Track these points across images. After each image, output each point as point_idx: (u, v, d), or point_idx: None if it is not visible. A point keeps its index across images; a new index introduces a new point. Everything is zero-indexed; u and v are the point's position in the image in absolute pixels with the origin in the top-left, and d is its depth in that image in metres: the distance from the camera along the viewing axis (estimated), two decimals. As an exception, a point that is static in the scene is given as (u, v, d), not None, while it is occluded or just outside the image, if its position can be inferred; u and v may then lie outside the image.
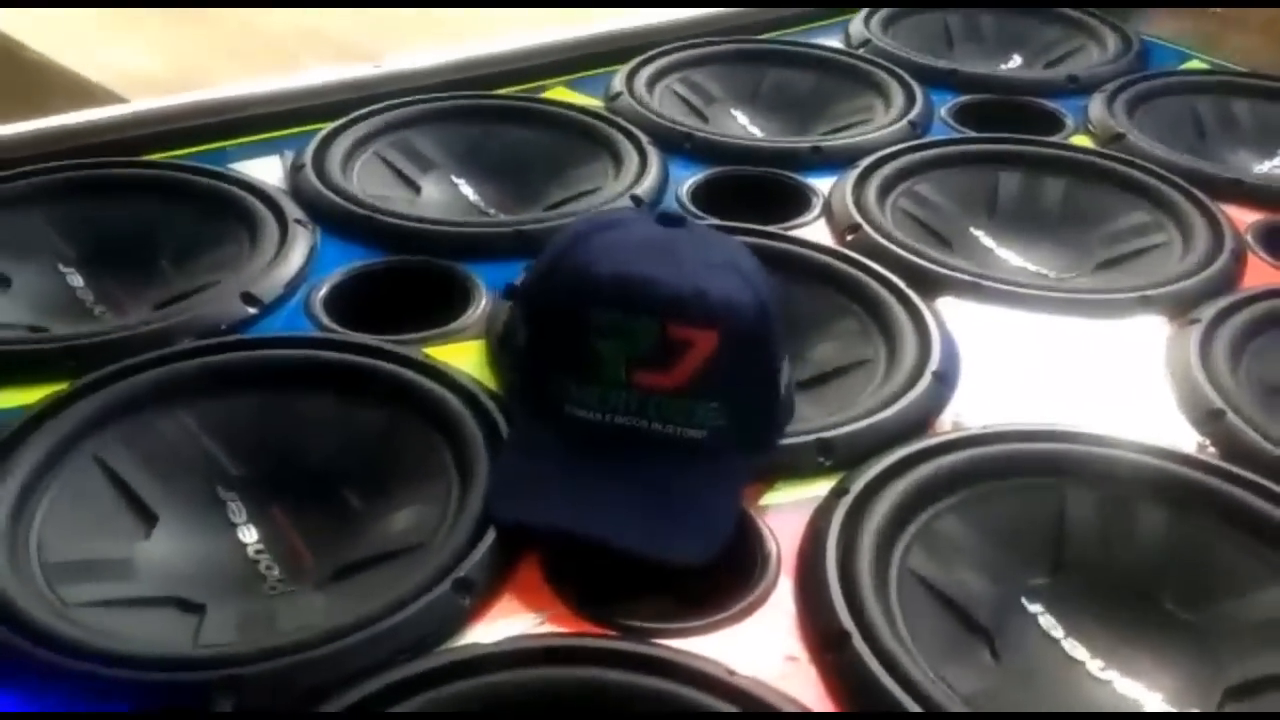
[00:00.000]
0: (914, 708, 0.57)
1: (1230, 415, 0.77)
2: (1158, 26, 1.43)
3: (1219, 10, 1.57)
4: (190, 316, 0.85)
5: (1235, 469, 0.72)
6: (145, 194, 1.00)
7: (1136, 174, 1.06)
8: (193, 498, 0.73)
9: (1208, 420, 0.77)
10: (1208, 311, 0.86)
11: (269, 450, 0.76)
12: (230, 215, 0.97)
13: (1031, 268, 1.00)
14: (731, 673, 0.58)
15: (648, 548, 0.66)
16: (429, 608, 0.62)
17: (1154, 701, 0.63)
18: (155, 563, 0.69)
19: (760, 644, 0.62)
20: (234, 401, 0.78)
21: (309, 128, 1.11)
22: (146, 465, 0.73)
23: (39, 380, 0.78)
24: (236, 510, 0.73)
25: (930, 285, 0.91)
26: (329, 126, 1.09)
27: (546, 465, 0.70)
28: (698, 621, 0.63)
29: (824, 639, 0.61)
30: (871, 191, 1.03)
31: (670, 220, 0.75)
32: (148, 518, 0.71)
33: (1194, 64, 1.33)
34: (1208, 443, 0.76)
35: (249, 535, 0.72)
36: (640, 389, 0.70)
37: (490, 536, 0.66)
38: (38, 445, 0.71)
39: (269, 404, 0.78)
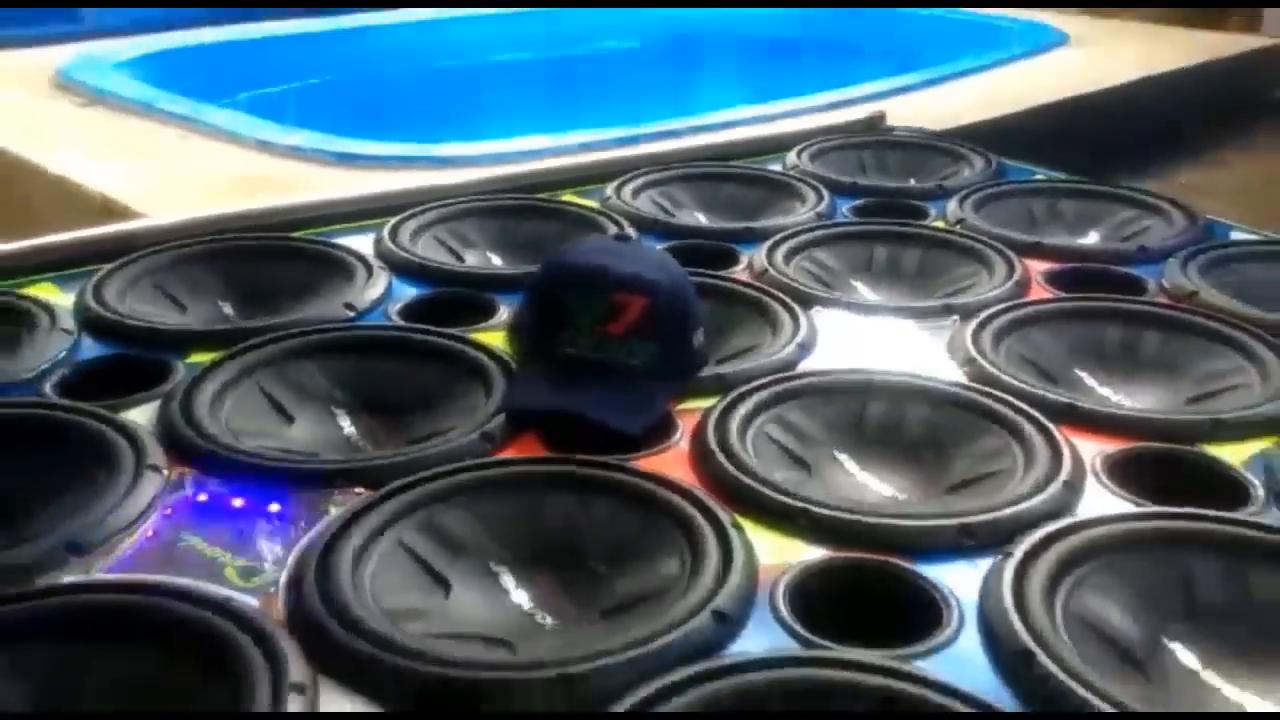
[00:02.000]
0: (745, 480, 1.01)
1: (981, 362, 1.22)
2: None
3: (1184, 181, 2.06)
4: (305, 315, 1.34)
5: (980, 387, 1.18)
6: (284, 258, 1.51)
7: (967, 241, 1.55)
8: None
9: (968, 365, 1.23)
10: (987, 313, 1.33)
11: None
12: (333, 267, 1.48)
13: (890, 304, 1.47)
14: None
15: (604, 419, 1.11)
16: (461, 447, 1.08)
17: (898, 487, 1.07)
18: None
19: (668, 465, 1.07)
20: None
21: (382, 220, 1.63)
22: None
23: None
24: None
25: (808, 301, 1.38)
26: (400, 217, 1.61)
27: (540, 379, 1.17)
28: (631, 457, 1.08)
29: (699, 455, 1.07)
30: (780, 254, 1.52)
31: (619, 237, 1.23)
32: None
33: (1039, 176, 1.84)
34: (965, 374, 1.21)
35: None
36: (599, 335, 1.17)
37: (502, 415, 1.12)
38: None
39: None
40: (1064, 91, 4.07)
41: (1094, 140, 3.70)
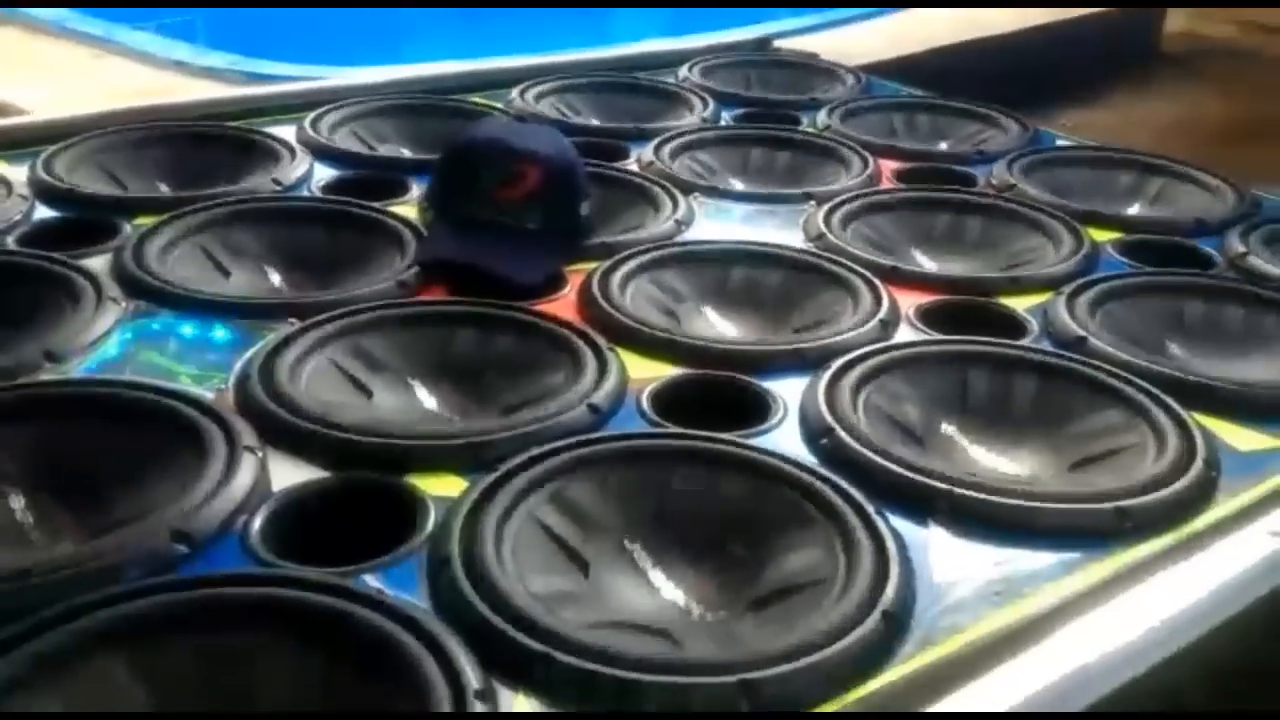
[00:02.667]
0: (622, 318, 1.23)
1: (828, 236, 1.46)
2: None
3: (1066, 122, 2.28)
4: (237, 188, 1.53)
5: (824, 253, 1.42)
6: (215, 142, 1.69)
7: (832, 144, 1.79)
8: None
9: (817, 239, 1.47)
10: (839, 199, 1.57)
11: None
12: (260, 151, 1.67)
13: (756, 191, 1.71)
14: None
15: (503, 270, 1.32)
16: (380, 291, 1.29)
17: (750, 333, 1.30)
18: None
19: (557, 311, 1.29)
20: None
21: (302, 114, 1.81)
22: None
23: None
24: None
25: (688, 188, 1.61)
26: (319, 111, 1.79)
27: (447, 237, 1.38)
28: (526, 304, 1.30)
29: (584, 302, 1.29)
30: (666, 151, 1.75)
31: (520, 118, 1.44)
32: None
33: (903, 93, 2.09)
34: (814, 247, 1.45)
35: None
36: (499, 199, 1.38)
37: (415, 268, 1.34)
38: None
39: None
40: (962, 35, 4.35)
41: (989, 80, 3.99)
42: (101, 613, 0.78)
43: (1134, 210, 1.66)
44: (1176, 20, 5.19)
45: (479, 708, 0.73)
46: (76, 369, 1.13)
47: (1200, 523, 0.98)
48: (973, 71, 4.11)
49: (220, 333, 1.22)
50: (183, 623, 0.79)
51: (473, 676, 0.75)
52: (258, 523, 0.92)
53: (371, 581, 0.86)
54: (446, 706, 0.73)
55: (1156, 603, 0.86)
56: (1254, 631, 0.90)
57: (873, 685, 0.79)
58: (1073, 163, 1.76)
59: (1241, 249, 1.46)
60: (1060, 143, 1.86)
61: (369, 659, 0.78)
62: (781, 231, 1.53)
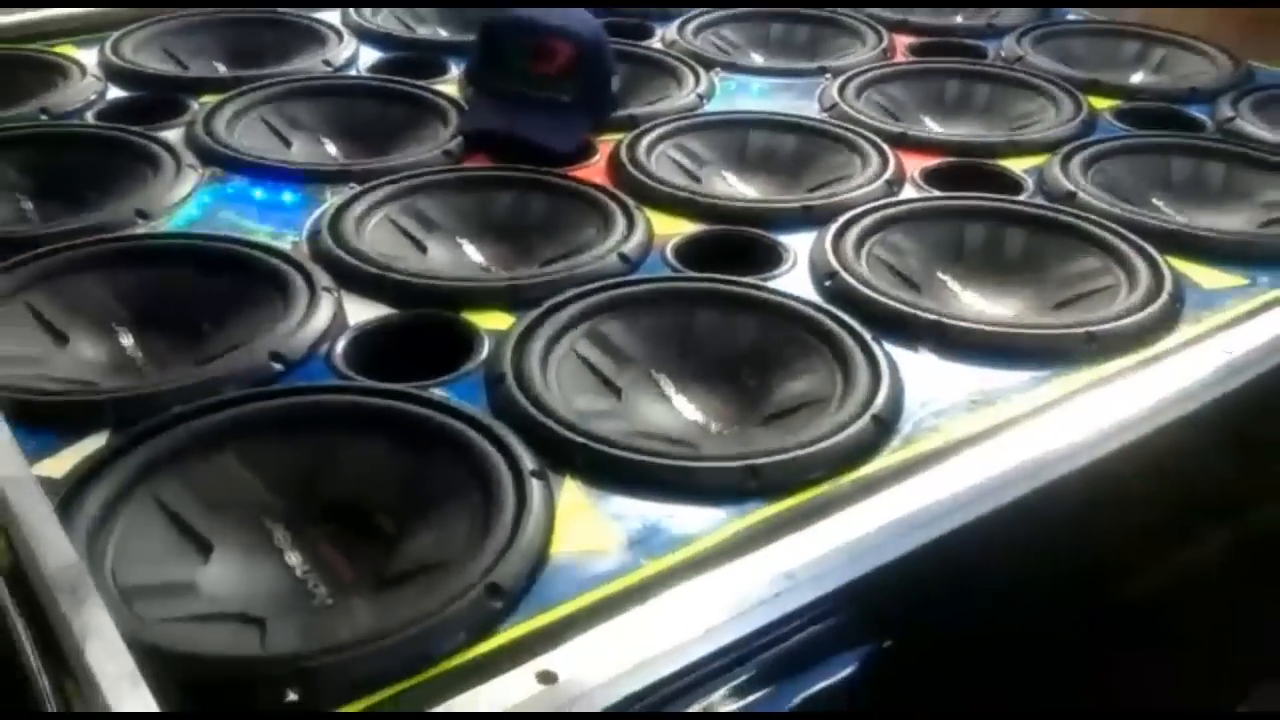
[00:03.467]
0: (647, 180, 1.38)
1: (841, 105, 1.60)
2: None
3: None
4: (293, 68, 1.68)
5: (834, 120, 1.55)
6: (269, 26, 1.86)
7: (848, 20, 1.92)
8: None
9: (830, 108, 1.61)
10: (853, 72, 1.70)
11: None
12: (310, 34, 1.82)
13: (774, 66, 1.84)
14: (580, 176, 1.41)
15: (540, 138, 1.47)
16: (428, 159, 1.44)
17: (768, 194, 1.45)
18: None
19: (588, 172, 1.44)
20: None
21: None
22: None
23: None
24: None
25: (709, 64, 1.75)
26: (364, -5, 1.93)
27: (487, 109, 1.53)
28: (566, 169, 1.45)
29: (613, 167, 1.44)
30: (690, 29, 1.88)
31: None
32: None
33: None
34: (827, 116, 1.59)
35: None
36: (534, 74, 1.52)
37: (459, 137, 1.49)
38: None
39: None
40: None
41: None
42: (219, 413, 0.95)
43: (1134, 79, 1.78)
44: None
45: (535, 485, 0.90)
46: (165, 225, 1.30)
47: (1161, 346, 1.13)
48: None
49: (289, 195, 1.38)
50: (287, 422, 0.96)
51: (529, 461, 0.93)
52: (339, 348, 1.09)
53: (439, 393, 1.03)
54: (509, 486, 0.90)
55: (1112, 405, 1.02)
56: (1199, 437, 1.05)
57: (861, 471, 0.96)
58: (1079, 35, 1.88)
59: (1230, 114, 1.59)
60: (1070, 17, 1.97)
61: (443, 450, 0.95)
62: (798, 103, 1.66)
